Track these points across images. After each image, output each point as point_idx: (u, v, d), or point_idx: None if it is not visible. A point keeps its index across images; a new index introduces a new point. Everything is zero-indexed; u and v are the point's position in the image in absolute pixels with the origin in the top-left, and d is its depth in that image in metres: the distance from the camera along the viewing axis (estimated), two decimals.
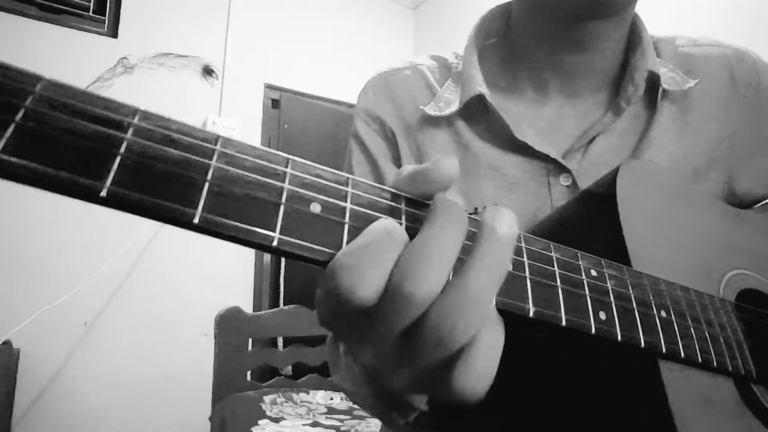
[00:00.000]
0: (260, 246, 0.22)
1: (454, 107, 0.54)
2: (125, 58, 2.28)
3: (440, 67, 0.61)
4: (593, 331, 0.29)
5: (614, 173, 0.42)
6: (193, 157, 0.22)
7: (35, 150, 0.19)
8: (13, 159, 0.18)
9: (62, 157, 0.19)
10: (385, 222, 0.24)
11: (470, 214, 0.54)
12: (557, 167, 0.51)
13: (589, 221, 0.43)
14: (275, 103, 2.67)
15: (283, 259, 2.53)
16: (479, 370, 0.24)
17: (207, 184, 0.22)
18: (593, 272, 0.32)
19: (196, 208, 0.21)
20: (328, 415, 1.54)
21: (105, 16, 2.31)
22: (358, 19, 3.01)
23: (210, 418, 1.57)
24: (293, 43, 2.75)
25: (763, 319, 0.42)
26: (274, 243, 0.22)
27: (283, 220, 0.23)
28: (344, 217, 0.24)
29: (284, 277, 2.48)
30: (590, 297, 0.30)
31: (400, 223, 0.25)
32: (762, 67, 0.56)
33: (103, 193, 0.20)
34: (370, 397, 0.40)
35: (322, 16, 2.88)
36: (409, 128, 0.57)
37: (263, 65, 2.64)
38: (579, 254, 0.32)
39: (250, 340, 1.74)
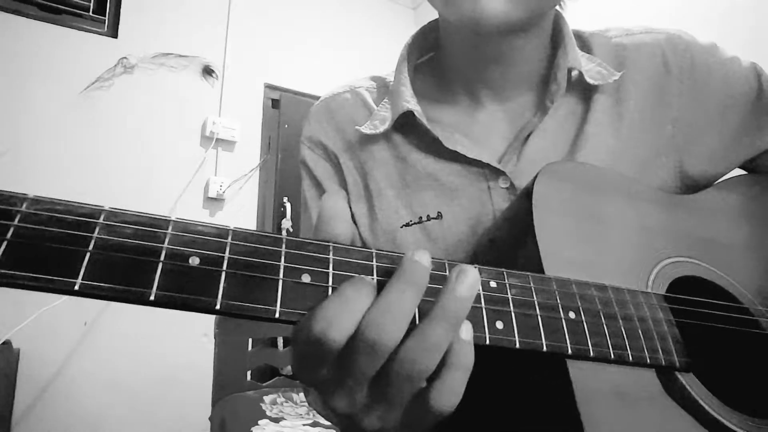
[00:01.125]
0: (140, 302, 0.25)
1: (387, 124, 0.56)
2: (125, 58, 2.28)
3: (378, 87, 0.62)
4: (487, 341, 0.31)
5: (534, 178, 0.43)
6: (75, 232, 0.25)
7: None
8: None
9: None
10: (360, 280, 0.28)
11: (415, 222, 0.56)
12: (493, 171, 0.52)
13: (516, 227, 0.44)
14: (275, 103, 2.67)
15: None
16: (454, 385, 0.28)
17: (88, 254, 0.24)
18: (492, 284, 0.34)
19: (77, 277, 0.24)
20: None
21: (105, 16, 2.31)
22: (358, 19, 3.01)
23: (210, 418, 1.57)
24: (293, 43, 2.75)
25: (691, 307, 0.43)
26: (152, 297, 0.25)
27: (161, 277, 0.25)
28: (222, 266, 0.27)
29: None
30: (486, 309, 0.32)
31: (372, 279, 0.29)
32: (695, 47, 0.56)
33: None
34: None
35: (322, 16, 2.88)
36: (351, 148, 0.59)
37: (263, 65, 2.64)
38: (478, 269, 0.34)
39: (250, 340, 1.74)
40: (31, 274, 0.23)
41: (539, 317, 0.34)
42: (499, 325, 0.32)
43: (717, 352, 0.44)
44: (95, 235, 0.25)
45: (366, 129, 0.57)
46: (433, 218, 0.53)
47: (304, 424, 1.45)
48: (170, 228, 0.27)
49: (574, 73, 0.54)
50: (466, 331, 0.29)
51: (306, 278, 0.28)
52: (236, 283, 0.27)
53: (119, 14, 2.34)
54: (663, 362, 0.37)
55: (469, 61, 0.55)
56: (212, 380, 1.61)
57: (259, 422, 1.43)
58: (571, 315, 0.35)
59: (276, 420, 1.47)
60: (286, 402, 1.62)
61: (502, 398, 0.39)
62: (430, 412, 0.28)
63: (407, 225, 0.54)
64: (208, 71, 2.47)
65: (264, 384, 1.71)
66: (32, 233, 0.24)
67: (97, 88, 2.21)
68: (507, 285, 0.34)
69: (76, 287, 0.24)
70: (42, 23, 2.18)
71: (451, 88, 0.58)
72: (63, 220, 0.25)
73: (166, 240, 0.26)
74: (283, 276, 0.28)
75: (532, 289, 0.35)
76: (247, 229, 0.29)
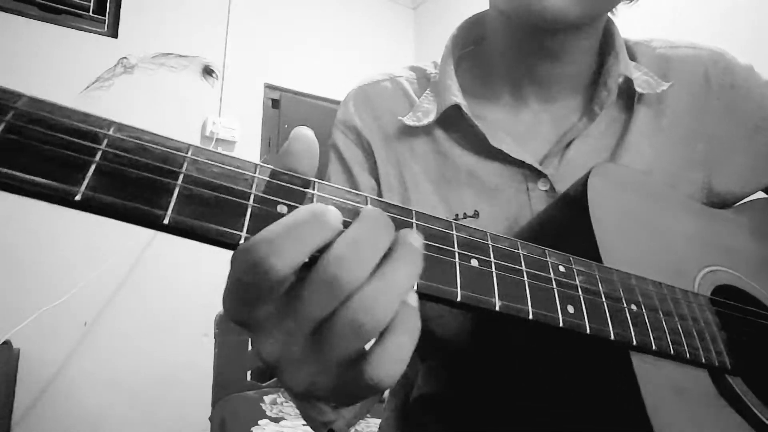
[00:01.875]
0: (229, 245, 0.24)
1: (432, 117, 0.55)
2: (125, 58, 2.28)
3: (419, 78, 0.62)
4: (561, 323, 0.31)
5: (586, 175, 0.43)
6: (164, 165, 0.24)
7: (15, 159, 0.21)
8: None
9: (40, 165, 0.21)
10: (315, 206, 0.24)
11: (453, 220, 0.56)
12: (534, 173, 0.52)
13: (565, 224, 0.44)
14: (275, 103, 2.67)
15: None
16: (397, 352, 0.25)
17: (177, 188, 0.23)
18: (561, 268, 0.33)
19: (166, 210, 0.23)
20: None
21: (105, 16, 2.31)
22: (358, 19, 3.01)
23: (210, 418, 1.57)
24: (293, 43, 2.75)
25: (738, 313, 0.44)
26: (242, 241, 0.24)
27: (251, 221, 0.24)
28: None
29: None
30: (558, 291, 0.32)
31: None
32: (736, 67, 0.57)
33: (78, 198, 0.21)
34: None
35: (322, 16, 2.88)
36: (388, 138, 0.58)
37: (263, 65, 2.64)
38: (547, 251, 0.34)
39: (250, 340, 1.74)
40: (121, 201, 0.22)
41: (606, 306, 0.34)
42: (570, 309, 0.32)
43: (759, 357, 0.45)
44: (183, 170, 0.24)
45: (409, 120, 0.56)
46: (469, 216, 0.53)
47: (304, 424, 1.45)
48: (257, 172, 0.26)
49: (621, 80, 0.54)
50: (412, 296, 0.26)
51: (282, 209, 0.26)
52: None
53: (119, 14, 2.33)
54: (716, 363, 0.38)
55: (519, 56, 0.55)
56: (212, 380, 1.61)
57: (259, 422, 1.43)
58: (633, 307, 0.35)
59: (276, 420, 1.47)
60: (286, 402, 1.62)
61: (563, 389, 0.39)
62: (367, 382, 0.24)
63: None
64: (208, 71, 2.47)
65: (264, 384, 1.71)
66: (120, 159, 0.23)
67: (97, 88, 2.21)
68: (574, 270, 0.34)
69: (166, 221, 0.22)
70: (42, 23, 2.18)
71: (495, 84, 0.58)
72: (151, 151, 0.24)
73: (254, 185, 0.25)
74: (253, 203, 0.25)
75: (597, 278, 0.35)
76: (330, 184, 0.28)
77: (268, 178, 0.26)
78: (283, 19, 2.75)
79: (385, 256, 0.25)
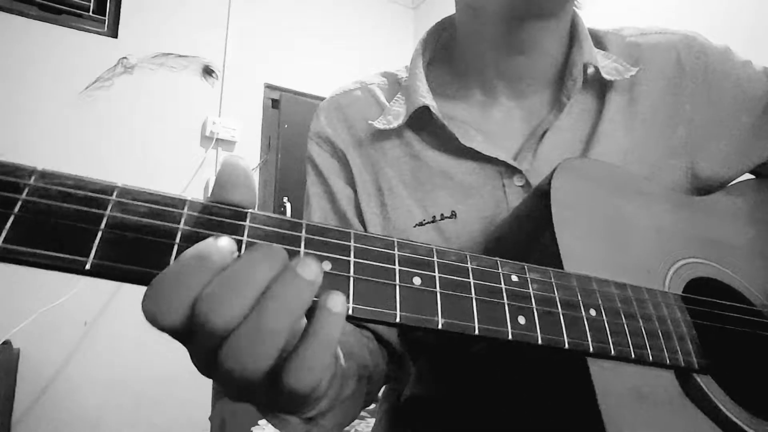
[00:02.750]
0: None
1: (402, 119, 0.55)
2: (125, 58, 2.28)
3: (390, 83, 0.62)
4: (510, 336, 0.30)
5: (551, 174, 0.42)
6: (87, 209, 0.23)
7: None
8: None
9: None
10: (201, 245, 0.24)
11: (428, 222, 0.55)
12: (509, 169, 0.52)
13: (533, 224, 0.43)
14: (275, 103, 2.67)
15: None
16: (309, 360, 0.24)
17: (100, 233, 0.23)
18: (514, 278, 0.33)
19: (88, 256, 0.23)
20: None
21: (105, 16, 2.31)
22: (358, 19, 3.01)
23: (210, 418, 1.57)
24: (293, 43, 2.75)
25: (709, 308, 0.43)
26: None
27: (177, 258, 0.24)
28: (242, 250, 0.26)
29: None
30: (508, 304, 0.31)
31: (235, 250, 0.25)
32: (710, 50, 0.56)
33: None
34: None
35: (322, 16, 2.88)
36: (361, 145, 0.58)
37: (263, 65, 2.64)
38: (499, 262, 0.33)
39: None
40: (40, 251, 0.22)
41: (561, 314, 0.33)
42: (522, 320, 0.31)
43: (732, 354, 0.44)
44: (108, 212, 0.24)
45: (379, 124, 0.56)
46: (447, 217, 0.53)
47: None
48: (186, 208, 0.25)
49: (590, 69, 0.54)
50: (334, 302, 0.25)
51: None
52: None
53: (119, 14, 2.33)
54: (682, 363, 0.37)
55: (489, 52, 0.55)
56: (212, 380, 1.61)
57: (259, 422, 1.43)
58: (592, 312, 0.35)
59: None
60: None
61: (521, 397, 0.39)
62: (283, 390, 0.24)
63: (420, 224, 0.53)
64: (208, 71, 2.47)
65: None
66: (41, 208, 0.23)
67: (97, 88, 2.21)
68: (528, 279, 0.33)
69: (88, 266, 0.22)
70: (42, 23, 2.18)
71: (465, 83, 0.58)
72: (74, 196, 0.24)
73: (182, 221, 0.25)
74: (180, 241, 0.25)
75: (554, 284, 0.34)
76: (265, 213, 0.27)
77: (197, 213, 0.26)
78: (283, 19, 2.75)
79: (267, 290, 0.24)
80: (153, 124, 2.30)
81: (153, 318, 0.23)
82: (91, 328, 2.08)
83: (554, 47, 0.54)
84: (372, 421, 1.44)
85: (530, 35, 0.52)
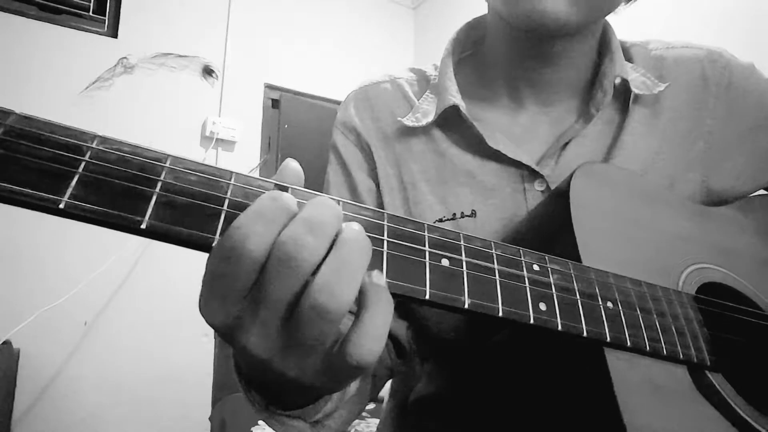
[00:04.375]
0: (203, 247, 0.26)
1: (431, 117, 0.56)
2: (125, 58, 2.28)
3: (419, 79, 0.62)
4: (531, 320, 0.32)
5: (571, 175, 0.44)
6: (143, 174, 0.26)
7: (4, 172, 0.23)
8: None
9: (27, 177, 0.23)
10: (272, 192, 0.26)
11: (448, 219, 0.56)
12: (531, 173, 0.53)
13: (551, 223, 0.44)
14: (275, 103, 2.67)
15: None
16: (372, 329, 0.26)
17: (155, 196, 0.25)
18: (535, 267, 0.34)
19: (144, 216, 0.24)
20: None
21: (105, 16, 2.31)
22: (358, 18, 3.01)
23: (210, 418, 1.57)
24: (293, 43, 2.75)
25: (721, 310, 0.44)
26: (214, 244, 0.25)
27: (224, 225, 0.26)
28: None
29: None
30: (530, 289, 0.33)
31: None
32: (735, 66, 0.56)
33: (62, 206, 0.23)
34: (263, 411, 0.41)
35: (322, 15, 2.88)
36: (387, 139, 0.59)
37: (263, 65, 2.64)
38: (522, 251, 0.34)
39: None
40: (101, 209, 0.24)
41: (579, 303, 0.34)
42: (543, 306, 0.32)
43: (741, 354, 0.45)
44: (162, 178, 0.26)
45: (408, 121, 0.57)
46: (467, 216, 0.53)
47: None
48: (232, 179, 0.27)
49: (618, 81, 0.54)
50: (377, 276, 0.27)
51: None
52: None
53: (119, 14, 2.33)
54: (695, 359, 0.38)
55: (518, 61, 0.55)
56: (212, 380, 1.61)
57: (259, 422, 1.43)
58: (609, 305, 0.36)
59: None
60: None
61: (533, 392, 0.40)
62: (348, 361, 0.26)
63: (440, 220, 0.54)
64: (208, 71, 2.47)
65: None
66: (102, 169, 0.24)
67: (97, 88, 2.21)
68: (549, 269, 0.34)
69: (143, 226, 0.24)
70: (42, 23, 2.18)
71: (493, 86, 0.58)
72: (131, 161, 0.25)
73: (229, 191, 0.27)
74: (228, 208, 0.27)
75: (573, 275, 0.35)
76: (307, 190, 0.29)
77: (242, 185, 0.28)
78: (283, 19, 2.75)
79: (334, 241, 0.26)
80: (153, 124, 2.30)
81: (241, 245, 0.24)
82: (91, 328, 2.08)
83: (583, 59, 0.55)
84: (372, 421, 1.44)
85: (558, 49, 0.52)
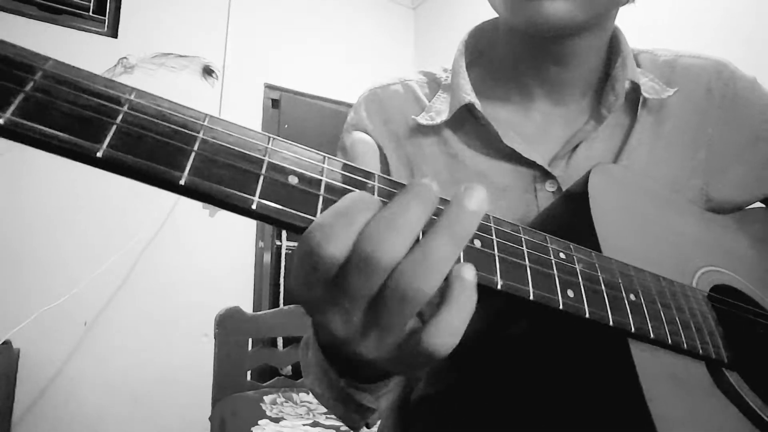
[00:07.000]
0: (241, 209, 0.25)
1: (444, 116, 0.56)
2: (125, 58, 2.28)
3: (429, 81, 0.63)
4: (560, 306, 0.31)
5: (588, 174, 0.44)
6: (182, 129, 0.25)
7: (43, 116, 0.22)
8: (20, 120, 0.21)
9: (66, 122, 0.22)
10: (360, 192, 0.26)
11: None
12: (543, 174, 0.53)
13: (567, 220, 0.45)
14: (275, 103, 2.67)
15: (283, 260, 2.53)
16: (450, 325, 0.26)
17: (194, 153, 0.24)
18: (562, 254, 0.34)
19: (183, 172, 0.23)
20: (328, 415, 1.54)
21: (105, 16, 2.31)
22: (358, 19, 3.01)
23: (210, 418, 1.57)
24: (293, 43, 2.75)
25: (735, 310, 0.44)
26: (254, 206, 0.25)
27: (263, 187, 0.25)
28: (319, 190, 0.27)
29: (284, 277, 2.47)
30: (558, 276, 0.32)
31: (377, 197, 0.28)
32: (739, 79, 0.58)
33: (99, 154, 0.22)
34: (333, 399, 0.43)
35: (322, 16, 2.88)
36: (398, 141, 0.59)
37: (263, 65, 2.64)
38: (548, 237, 0.34)
39: (250, 340, 1.74)
40: (140, 161, 0.23)
41: (605, 293, 0.34)
42: (570, 293, 0.32)
43: (755, 355, 0.45)
44: (200, 135, 0.25)
45: (422, 119, 0.57)
46: None
47: (304, 424, 1.45)
48: (270, 143, 0.27)
49: (628, 85, 0.54)
50: (467, 271, 0.26)
51: (293, 180, 0.27)
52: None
53: (119, 14, 2.33)
54: (713, 355, 0.38)
55: (528, 61, 0.55)
56: (212, 380, 1.61)
57: (259, 422, 1.43)
58: (632, 297, 0.36)
59: (276, 420, 1.47)
60: (286, 402, 1.62)
61: (556, 377, 0.40)
62: (424, 351, 0.26)
63: None
64: (208, 71, 2.47)
65: (264, 384, 1.71)
66: (140, 122, 0.24)
67: None
68: (574, 258, 0.35)
69: (182, 182, 0.23)
70: (42, 23, 2.18)
71: (504, 86, 0.59)
72: (169, 116, 0.25)
73: (267, 154, 0.26)
74: (265, 171, 0.27)
75: (597, 265, 0.36)
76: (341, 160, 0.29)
77: (280, 150, 0.27)
78: (283, 19, 2.75)
79: (426, 229, 0.26)
80: None
81: (321, 247, 0.24)
82: (91, 328, 2.08)
83: (592, 59, 0.55)
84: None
85: (567, 48, 0.53)
